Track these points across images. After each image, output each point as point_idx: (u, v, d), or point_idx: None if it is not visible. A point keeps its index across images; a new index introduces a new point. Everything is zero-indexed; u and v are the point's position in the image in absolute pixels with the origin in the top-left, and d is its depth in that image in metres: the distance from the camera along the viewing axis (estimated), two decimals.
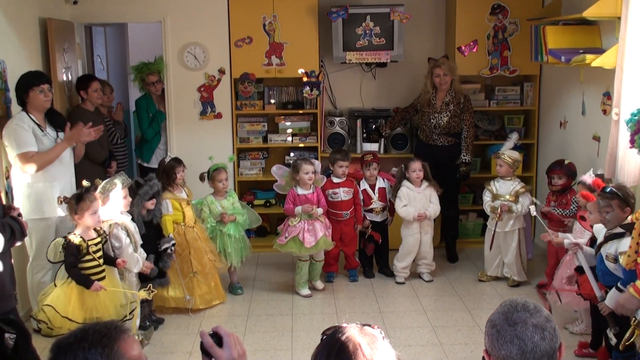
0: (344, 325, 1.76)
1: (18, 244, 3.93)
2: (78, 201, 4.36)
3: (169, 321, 5.37)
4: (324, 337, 1.75)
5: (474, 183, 7.10)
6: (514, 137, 6.10)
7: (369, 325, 1.77)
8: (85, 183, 4.48)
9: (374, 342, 1.70)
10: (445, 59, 6.51)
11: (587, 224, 4.79)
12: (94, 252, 4.44)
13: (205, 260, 5.54)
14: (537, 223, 6.98)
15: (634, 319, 3.80)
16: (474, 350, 4.78)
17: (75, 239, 4.35)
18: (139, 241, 4.88)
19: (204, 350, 1.89)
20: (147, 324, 5.12)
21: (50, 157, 4.96)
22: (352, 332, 1.71)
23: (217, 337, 1.91)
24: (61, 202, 4.42)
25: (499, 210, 5.86)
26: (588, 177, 4.77)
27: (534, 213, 5.09)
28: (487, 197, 6.03)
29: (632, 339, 3.88)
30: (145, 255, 4.93)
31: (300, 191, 5.84)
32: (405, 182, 6.11)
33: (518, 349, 1.98)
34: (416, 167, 6.05)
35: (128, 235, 4.76)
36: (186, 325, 5.32)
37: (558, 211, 5.43)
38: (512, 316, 2.02)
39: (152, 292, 4.68)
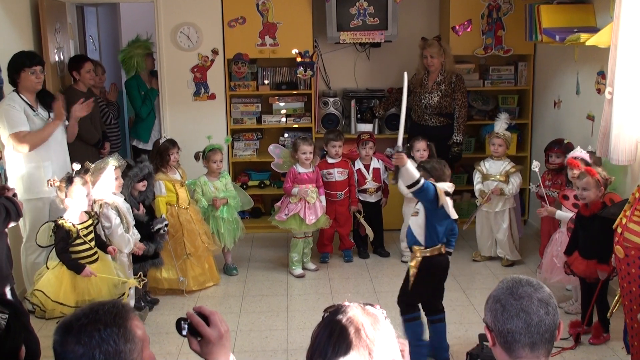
0: (346, 304, 1.74)
1: (13, 224, 3.92)
2: (69, 184, 4.34)
3: (164, 302, 5.38)
4: (326, 315, 1.74)
5: (468, 163, 7.10)
6: (503, 117, 6.07)
7: (371, 305, 1.76)
8: (75, 166, 4.45)
9: (377, 323, 1.69)
10: (436, 40, 6.43)
11: (569, 203, 4.83)
12: (85, 235, 4.40)
13: (198, 242, 5.54)
14: (530, 203, 7.01)
15: (618, 291, 3.88)
16: (468, 329, 4.80)
17: (65, 223, 4.31)
18: (132, 222, 4.87)
19: (192, 330, 1.89)
20: (142, 304, 5.12)
21: (42, 136, 4.94)
22: (355, 312, 1.70)
23: (202, 317, 1.91)
24: (51, 185, 4.38)
25: (486, 196, 5.87)
26: (580, 153, 4.79)
27: (535, 169, 5.14)
28: (477, 178, 6.05)
29: (617, 306, 3.99)
30: (138, 236, 4.92)
31: (300, 169, 5.84)
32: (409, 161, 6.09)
33: (524, 323, 1.98)
34: (420, 147, 6.02)
35: (119, 215, 4.75)
36: (181, 306, 5.33)
37: (554, 193, 5.44)
38: (517, 290, 2.03)
39: (143, 280, 4.66)
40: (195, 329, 1.89)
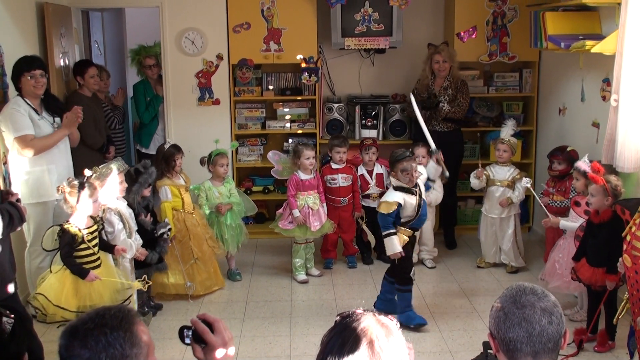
0: (360, 311, 1.72)
1: (17, 229, 3.92)
2: (81, 189, 4.34)
3: (168, 307, 5.38)
4: (338, 321, 1.72)
5: (472, 170, 7.08)
6: (510, 124, 6.06)
7: (384, 314, 1.74)
8: (87, 172, 4.45)
9: (390, 335, 1.67)
10: (445, 45, 6.48)
11: (580, 210, 4.82)
12: (89, 241, 4.40)
13: (204, 246, 5.54)
14: (535, 210, 6.99)
15: (626, 294, 3.89)
16: (472, 336, 4.79)
17: (71, 228, 4.31)
18: (134, 227, 4.87)
19: (197, 337, 1.89)
20: (146, 310, 5.11)
21: (48, 143, 4.97)
22: (369, 322, 1.68)
23: (206, 324, 1.91)
24: (62, 192, 4.37)
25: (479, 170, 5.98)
26: (583, 164, 4.79)
27: (527, 184, 5.18)
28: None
29: (623, 312, 3.98)
30: (140, 241, 4.91)
31: (302, 176, 5.84)
32: None
33: (525, 332, 1.98)
34: (420, 153, 6.02)
35: (122, 220, 4.74)
36: (185, 311, 5.32)
37: (557, 204, 5.44)
38: (520, 299, 2.02)
39: (148, 283, 4.65)
40: (200, 336, 1.88)
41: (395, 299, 5.07)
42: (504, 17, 6.76)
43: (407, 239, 4.88)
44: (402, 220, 4.86)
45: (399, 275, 4.97)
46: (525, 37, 6.46)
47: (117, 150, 6.44)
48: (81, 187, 4.31)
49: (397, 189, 4.84)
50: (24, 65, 4.93)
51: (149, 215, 5.13)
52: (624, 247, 3.71)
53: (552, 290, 4.72)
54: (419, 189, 4.91)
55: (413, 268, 5.08)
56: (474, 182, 6.06)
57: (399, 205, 4.79)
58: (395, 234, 4.81)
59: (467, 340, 4.75)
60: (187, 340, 1.91)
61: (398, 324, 1.74)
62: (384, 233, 4.83)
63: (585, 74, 5.84)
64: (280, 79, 7.17)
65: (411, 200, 4.82)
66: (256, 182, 7.26)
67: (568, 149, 5.58)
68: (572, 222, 4.90)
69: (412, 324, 4.89)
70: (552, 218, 5.10)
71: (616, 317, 4.12)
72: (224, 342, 1.89)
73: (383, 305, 5.05)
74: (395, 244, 4.80)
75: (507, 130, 6.00)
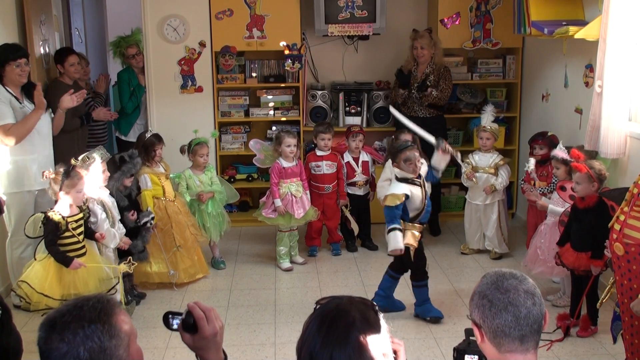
0: (338, 296, 1.74)
1: None
2: (65, 177, 4.30)
3: (151, 296, 5.35)
4: (317, 307, 1.73)
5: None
6: (489, 110, 6.05)
7: (364, 299, 1.75)
8: (73, 161, 4.41)
9: (369, 319, 1.68)
10: (427, 32, 6.45)
11: (566, 194, 4.83)
12: (74, 229, 4.38)
13: (187, 234, 5.51)
14: (518, 196, 7.01)
15: (610, 279, 3.88)
16: (457, 322, 4.80)
17: (54, 215, 4.29)
18: (117, 216, 4.84)
19: (187, 325, 1.87)
20: (129, 298, 5.08)
21: (27, 126, 4.87)
22: (347, 306, 1.69)
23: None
24: (46, 178, 4.34)
25: (469, 173, 5.94)
26: (561, 152, 4.80)
27: (532, 166, 5.27)
28: (465, 168, 6.03)
29: (606, 297, 4.00)
30: (124, 230, 4.89)
31: (285, 164, 5.81)
32: None
33: (512, 316, 1.97)
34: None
35: (105, 210, 4.71)
36: (169, 300, 5.30)
37: (539, 190, 5.44)
38: (502, 284, 2.02)
39: (133, 264, 4.65)
40: (190, 323, 1.87)
41: (393, 295, 4.98)
42: (488, 3, 6.74)
43: (419, 234, 4.71)
44: (410, 215, 4.69)
45: (416, 271, 4.83)
46: (508, 23, 6.46)
47: (98, 138, 6.38)
48: (66, 175, 4.29)
49: (401, 180, 4.69)
50: (10, 53, 4.87)
51: (135, 213, 5.08)
52: (614, 235, 3.67)
53: (535, 276, 4.76)
54: (422, 180, 4.75)
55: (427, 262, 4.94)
56: (467, 183, 6.04)
57: (406, 197, 4.60)
58: (400, 229, 4.60)
59: (451, 327, 4.76)
60: (175, 327, 1.90)
61: (377, 306, 1.75)
62: (388, 227, 4.60)
63: (568, 60, 5.85)
64: (264, 66, 7.12)
65: (417, 192, 4.66)
66: (240, 170, 7.22)
67: (549, 134, 5.60)
68: (559, 208, 4.90)
69: (428, 316, 4.83)
70: (539, 202, 5.10)
71: (599, 302, 4.14)
72: (215, 332, 1.88)
73: (383, 302, 4.81)
74: (398, 240, 4.57)
75: (487, 117, 5.99)
